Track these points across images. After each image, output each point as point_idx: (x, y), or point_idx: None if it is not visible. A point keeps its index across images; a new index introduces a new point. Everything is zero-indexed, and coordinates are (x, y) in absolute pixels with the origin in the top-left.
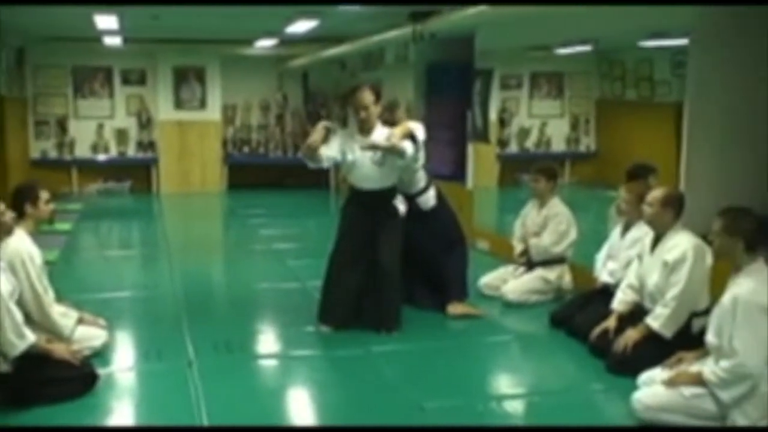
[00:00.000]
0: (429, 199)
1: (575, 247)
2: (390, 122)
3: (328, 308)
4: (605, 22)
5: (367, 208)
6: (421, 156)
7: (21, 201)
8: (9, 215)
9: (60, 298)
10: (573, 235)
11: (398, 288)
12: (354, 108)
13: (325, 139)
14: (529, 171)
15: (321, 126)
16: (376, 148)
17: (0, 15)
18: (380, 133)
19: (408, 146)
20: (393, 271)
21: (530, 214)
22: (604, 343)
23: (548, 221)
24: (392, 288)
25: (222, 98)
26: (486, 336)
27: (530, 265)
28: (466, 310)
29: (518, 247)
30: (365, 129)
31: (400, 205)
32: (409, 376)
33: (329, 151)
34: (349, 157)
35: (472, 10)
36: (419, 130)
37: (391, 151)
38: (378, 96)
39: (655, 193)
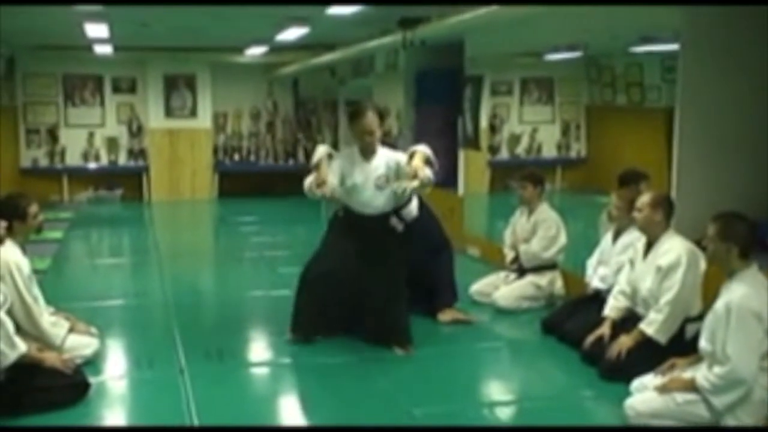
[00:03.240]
0: (412, 210)
1: (566, 252)
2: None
3: (301, 319)
4: (594, 27)
5: (366, 231)
6: None
7: (9, 217)
8: (2, 225)
9: (56, 309)
10: (562, 240)
11: (404, 304)
12: (358, 132)
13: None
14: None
15: (323, 154)
16: (409, 190)
17: None
18: (383, 156)
19: (431, 174)
20: (402, 288)
21: (519, 221)
22: (597, 350)
23: (537, 227)
24: (402, 305)
25: (212, 106)
26: (477, 342)
27: (521, 272)
28: (456, 316)
29: (509, 255)
30: (368, 152)
31: (398, 224)
32: (399, 383)
33: (332, 180)
34: (349, 182)
35: (461, 17)
36: (428, 150)
37: (422, 187)
38: (382, 118)
39: (643, 198)
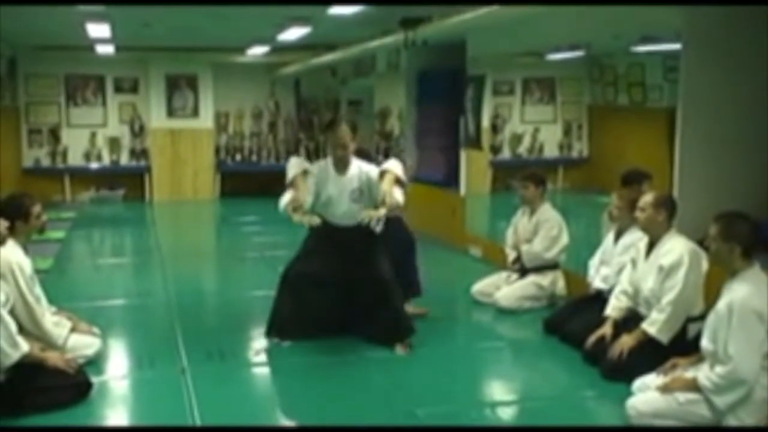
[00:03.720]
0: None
1: (568, 253)
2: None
3: (279, 320)
4: (596, 27)
5: (345, 240)
6: None
7: (12, 217)
8: (3, 225)
9: (58, 309)
10: (564, 240)
11: (401, 300)
12: (332, 145)
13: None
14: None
15: (297, 171)
16: (375, 221)
17: None
18: (356, 168)
19: (401, 196)
20: (394, 284)
21: (521, 221)
22: (599, 350)
23: (539, 227)
24: (399, 301)
25: (214, 106)
26: (479, 342)
27: (523, 272)
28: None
29: (511, 255)
30: (342, 166)
31: (377, 225)
32: (401, 383)
33: (308, 200)
34: (324, 196)
35: (463, 16)
36: (399, 168)
37: (390, 212)
38: (355, 131)
39: (646, 198)
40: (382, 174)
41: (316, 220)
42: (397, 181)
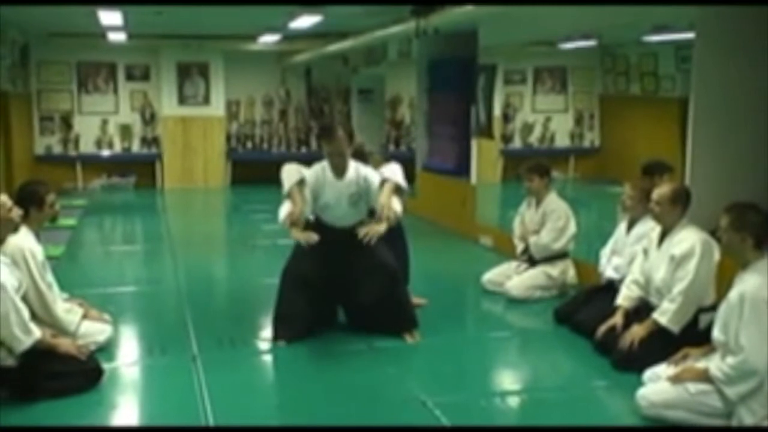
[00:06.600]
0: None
1: (579, 242)
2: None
3: (282, 324)
4: (608, 16)
5: (343, 241)
6: None
7: (26, 204)
8: (17, 212)
9: (69, 296)
10: (572, 229)
11: (406, 289)
12: (329, 153)
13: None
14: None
15: (294, 181)
16: (375, 238)
17: (3, 12)
18: (353, 171)
19: (399, 206)
20: (398, 272)
21: (528, 213)
22: (610, 340)
23: (546, 218)
24: (404, 289)
25: (225, 94)
26: (489, 332)
27: (533, 262)
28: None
29: (519, 246)
30: (340, 170)
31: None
32: (410, 372)
33: (306, 208)
34: (321, 201)
35: (473, 7)
36: (398, 174)
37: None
38: (351, 137)
39: (663, 191)
40: (382, 183)
41: (314, 238)
42: (397, 189)
